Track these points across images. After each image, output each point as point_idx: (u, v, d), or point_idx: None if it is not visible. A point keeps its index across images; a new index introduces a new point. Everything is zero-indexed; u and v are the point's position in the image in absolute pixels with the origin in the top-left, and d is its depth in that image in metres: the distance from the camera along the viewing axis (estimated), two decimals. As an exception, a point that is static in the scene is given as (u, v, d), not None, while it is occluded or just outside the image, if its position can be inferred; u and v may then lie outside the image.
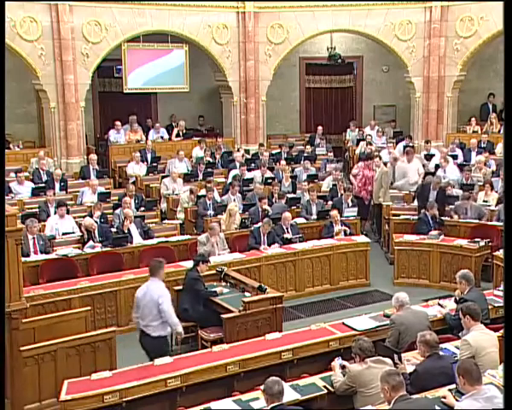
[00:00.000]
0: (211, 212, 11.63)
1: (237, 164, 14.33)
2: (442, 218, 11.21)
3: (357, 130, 17.24)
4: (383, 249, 12.44)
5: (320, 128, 17.21)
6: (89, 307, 7.77)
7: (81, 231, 10.41)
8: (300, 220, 11.63)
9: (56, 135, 14.47)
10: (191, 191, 12.33)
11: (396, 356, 5.68)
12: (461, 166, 13.80)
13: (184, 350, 7.78)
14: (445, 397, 5.25)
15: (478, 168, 13.34)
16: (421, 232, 10.82)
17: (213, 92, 17.42)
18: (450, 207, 11.66)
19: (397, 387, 4.83)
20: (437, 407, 5.16)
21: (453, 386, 5.35)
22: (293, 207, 12.03)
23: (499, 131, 15.59)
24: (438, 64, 16.04)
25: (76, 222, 10.95)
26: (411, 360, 5.99)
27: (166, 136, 16.32)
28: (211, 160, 14.88)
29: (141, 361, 6.45)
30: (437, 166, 13.94)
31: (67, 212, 11.12)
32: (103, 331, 7.35)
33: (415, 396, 5.06)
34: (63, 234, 10.55)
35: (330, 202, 12.29)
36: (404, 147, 15.30)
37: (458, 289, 7.47)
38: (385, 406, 5.00)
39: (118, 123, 15.70)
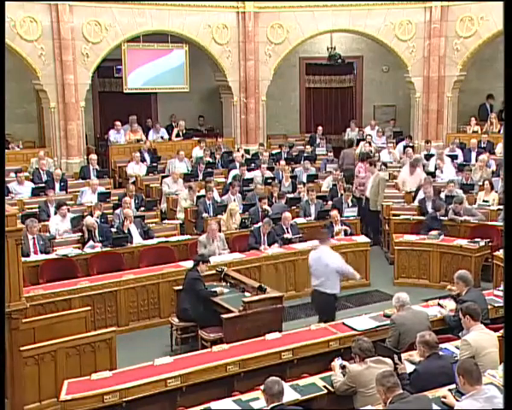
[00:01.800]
0: (211, 212, 11.63)
1: (237, 164, 14.33)
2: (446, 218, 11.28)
3: (356, 129, 17.24)
4: (383, 249, 12.44)
5: (320, 128, 17.22)
6: (89, 307, 7.77)
7: (81, 231, 10.40)
8: (300, 220, 11.64)
9: (56, 135, 14.47)
10: (190, 188, 12.34)
11: (396, 356, 5.68)
12: (461, 167, 13.82)
13: (184, 350, 7.79)
14: (445, 397, 5.25)
15: (479, 167, 13.33)
16: (433, 228, 10.84)
17: (213, 92, 17.43)
18: (450, 206, 11.66)
19: (392, 388, 4.83)
20: (436, 407, 5.16)
21: (453, 386, 5.35)
22: (293, 208, 12.03)
23: (499, 131, 15.59)
24: (438, 64, 16.05)
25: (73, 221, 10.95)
26: (413, 356, 6.00)
27: (166, 136, 16.32)
28: (210, 160, 14.88)
29: (141, 361, 6.44)
30: (436, 167, 13.97)
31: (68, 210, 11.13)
32: (103, 331, 7.35)
33: (413, 395, 5.05)
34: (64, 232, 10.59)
35: (330, 202, 12.30)
36: (404, 147, 15.33)
37: (455, 287, 7.47)
38: (384, 406, 5.00)
39: (118, 123, 15.70)
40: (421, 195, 12.13)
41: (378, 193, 12.41)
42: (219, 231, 10.57)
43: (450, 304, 7.48)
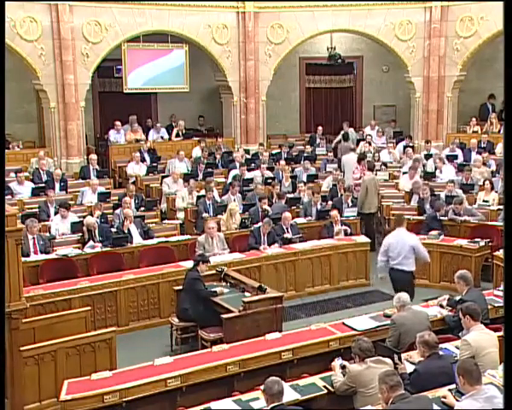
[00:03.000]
0: (211, 212, 11.63)
1: (237, 164, 14.32)
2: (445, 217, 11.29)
3: (351, 129, 17.20)
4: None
5: (320, 128, 17.20)
6: (89, 307, 7.77)
7: (82, 231, 10.40)
8: (300, 220, 11.64)
9: (56, 135, 14.47)
10: (188, 186, 12.40)
11: (396, 356, 5.68)
12: (461, 167, 13.82)
13: (184, 350, 7.79)
14: (445, 397, 5.25)
15: (476, 167, 13.33)
16: (433, 228, 10.85)
17: (213, 92, 17.42)
18: (450, 207, 11.66)
19: (395, 387, 4.83)
20: (436, 407, 5.16)
21: (453, 386, 5.35)
22: (292, 208, 12.03)
23: (499, 131, 15.59)
24: (438, 64, 16.05)
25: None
26: (413, 357, 6.00)
27: (166, 136, 16.31)
28: (209, 160, 14.85)
29: (141, 361, 6.44)
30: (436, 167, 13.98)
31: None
32: (103, 331, 7.34)
33: (414, 396, 5.05)
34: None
35: (330, 202, 12.30)
36: (404, 147, 15.34)
37: (444, 299, 7.59)
38: (384, 406, 5.00)
39: (118, 123, 15.70)
40: (415, 198, 12.17)
41: (366, 195, 12.16)
42: (219, 230, 10.57)
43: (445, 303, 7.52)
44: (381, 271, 9.00)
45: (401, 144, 15.84)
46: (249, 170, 13.98)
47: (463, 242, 10.40)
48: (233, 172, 13.91)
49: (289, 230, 10.86)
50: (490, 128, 15.99)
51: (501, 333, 6.06)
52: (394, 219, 9.76)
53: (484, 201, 11.95)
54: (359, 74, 19.00)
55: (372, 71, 18.68)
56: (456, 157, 14.62)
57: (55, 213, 11.19)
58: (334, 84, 19.44)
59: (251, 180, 13.38)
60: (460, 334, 6.46)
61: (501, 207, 11.31)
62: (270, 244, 10.44)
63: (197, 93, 17.49)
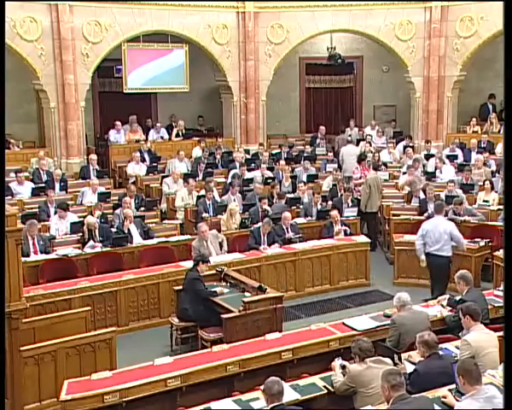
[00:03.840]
0: (211, 212, 11.63)
1: (237, 164, 14.32)
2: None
3: (355, 129, 17.22)
4: (383, 249, 12.44)
5: (322, 128, 17.17)
6: (89, 307, 7.78)
7: (82, 231, 10.39)
8: (300, 220, 11.64)
9: (56, 135, 14.47)
10: (186, 184, 12.42)
11: (396, 356, 5.68)
12: (461, 167, 13.82)
13: (184, 350, 7.79)
14: (445, 397, 5.25)
15: (476, 168, 13.33)
16: None
17: (213, 92, 17.42)
18: (450, 206, 11.66)
19: (396, 387, 4.82)
20: (436, 407, 5.16)
21: (453, 386, 5.35)
22: (293, 207, 12.03)
23: (499, 131, 15.59)
24: (438, 64, 16.04)
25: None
26: (413, 357, 6.00)
27: (166, 136, 16.31)
28: (209, 160, 14.85)
29: (141, 361, 6.44)
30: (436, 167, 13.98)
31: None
32: (103, 331, 7.34)
33: (413, 396, 5.05)
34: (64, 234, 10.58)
35: (330, 202, 12.30)
36: (404, 147, 15.33)
37: (444, 299, 7.58)
38: (385, 406, 5.00)
39: (118, 123, 15.69)
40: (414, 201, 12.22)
41: (367, 194, 12.25)
42: (219, 231, 10.57)
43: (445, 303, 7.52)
44: (420, 253, 9.52)
45: (401, 144, 15.85)
46: (249, 170, 13.98)
47: (463, 242, 10.38)
48: (233, 173, 13.90)
49: (289, 230, 10.86)
50: (490, 128, 15.98)
51: (501, 333, 6.06)
52: (434, 206, 10.35)
53: (484, 201, 11.95)
54: (359, 74, 19.00)
55: (372, 71, 18.67)
56: (456, 157, 14.62)
57: (55, 214, 11.18)
58: (334, 84, 19.45)
59: (251, 180, 13.38)
60: (460, 334, 6.46)
61: (501, 207, 11.31)
62: (270, 244, 10.44)
63: (197, 93, 17.49)
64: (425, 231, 9.45)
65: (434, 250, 9.34)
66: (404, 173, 13.59)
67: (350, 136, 16.32)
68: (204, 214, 11.50)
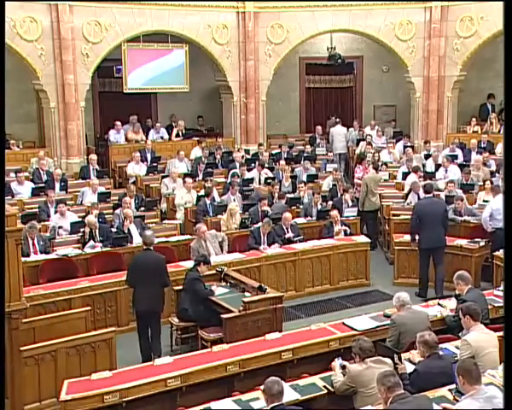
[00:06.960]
0: (211, 212, 11.63)
1: (237, 164, 14.32)
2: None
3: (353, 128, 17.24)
4: (383, 249, 12.44)
5: (319, 128, 17.20)
6: (89, 307, 7.79)
7: (82, 231, 10.39)
8: (300, 220, 11.64)
9: (56, 135, 14.47)
10: (184, 183, 12.45)
11: (396, 356, 5.68)
12: (461, 167, 13.80)
13: (184, 350, 7.79)
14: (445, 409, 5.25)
15: (476, 168, 13.32)
16: None
17: (213, 92, 17.42)
18: (450, 206, 11.66)
19: (392, 388, 4.82)
20: (436, 407, 5.16)
21: (453, 386, 5.35)
22: (293, 207, 12.03)
23: (499, 131, 15.59)
24: (438, 64, 16.04)
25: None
26: (413, 355, 6.00)
27: (166, 136, 16.31)
28: (209, 160, 14.85)
29: (141, 361, 6.44)
30: (437, 166, 13.94)
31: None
32: (103, 331, 7.35)
33: (413, 396, 5.05)
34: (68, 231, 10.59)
35: (330, 202, 12.30)
36: (404, 147, 15.32)
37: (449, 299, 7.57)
38: (385, 406, 5.00)
39: (118, 123, 15.70)
40: (413, 196, 12.16)
41: (364, 193, 12.27)
42: (219, 231, 10.57)
43: (450, 304, 7.49)
44: (486, 225, 10.20)
45: (401, 144, 15.84)
46: (249, 170, 13.98)
47: (463, 242, 10.39)
48: (233, 172, 13.89)
49: (289, 230, 10.86)
50: (490, 128, 15.98)
51: (501, 333, 6.06)
52: (491, 188, 11.30)
53: (484, 201, 11.93)
54: (359, 74, 19.00)
55: (372, 71, 18.67)
56: (456, 157, 14.60)
57: (55, 213, 11.18)
58: (334, 84, 19.45)
59: (251, 180, 13.37)
60: (460, 334, 6.47)
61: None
62: (270, 244, 10.44)
63: (197, 93, 17.49)
64: (492, 211, 10.09)
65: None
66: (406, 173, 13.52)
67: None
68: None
